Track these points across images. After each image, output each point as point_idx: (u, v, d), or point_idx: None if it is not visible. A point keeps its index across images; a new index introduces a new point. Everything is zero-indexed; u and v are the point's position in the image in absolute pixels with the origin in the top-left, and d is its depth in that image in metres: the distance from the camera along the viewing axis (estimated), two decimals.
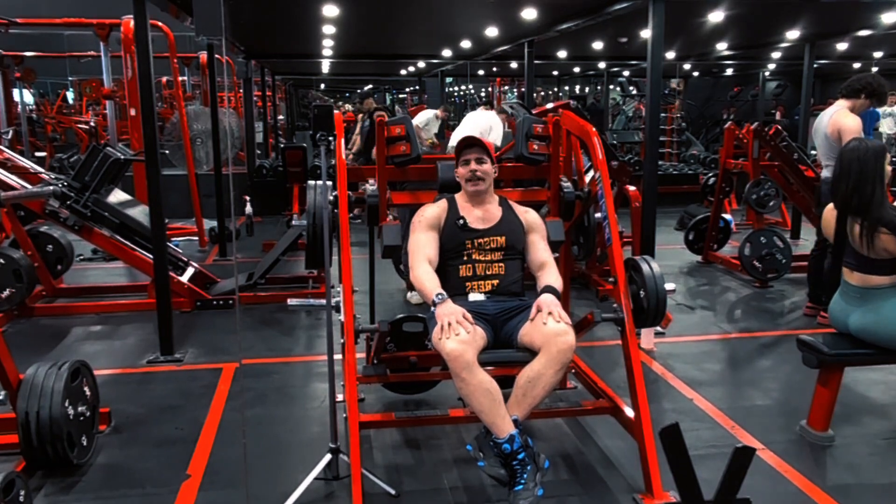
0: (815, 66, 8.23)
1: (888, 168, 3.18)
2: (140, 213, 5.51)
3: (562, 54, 11.07)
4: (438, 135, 10.12)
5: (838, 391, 3.25)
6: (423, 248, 2.91)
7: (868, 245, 3.07)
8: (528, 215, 3.09)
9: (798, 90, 9.22)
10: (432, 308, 2.69)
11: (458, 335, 2.53)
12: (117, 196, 5.55)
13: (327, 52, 10.08)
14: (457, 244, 2.94)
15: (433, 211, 3.01)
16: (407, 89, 22.56)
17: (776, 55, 11.10)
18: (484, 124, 7.28)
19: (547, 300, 2.72)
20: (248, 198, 8.72)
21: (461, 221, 2.96)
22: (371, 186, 3.19)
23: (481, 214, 3.01)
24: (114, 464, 3.13)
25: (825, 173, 4.90)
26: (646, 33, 4.77)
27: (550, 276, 2.92)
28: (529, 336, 2.67)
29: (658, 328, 4.74)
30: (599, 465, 3.08)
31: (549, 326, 2.61)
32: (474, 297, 2.87)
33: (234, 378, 4.07)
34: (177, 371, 4.24)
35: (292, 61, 12.23)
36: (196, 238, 7.94)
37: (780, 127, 6.35)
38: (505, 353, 2.76)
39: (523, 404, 2.59)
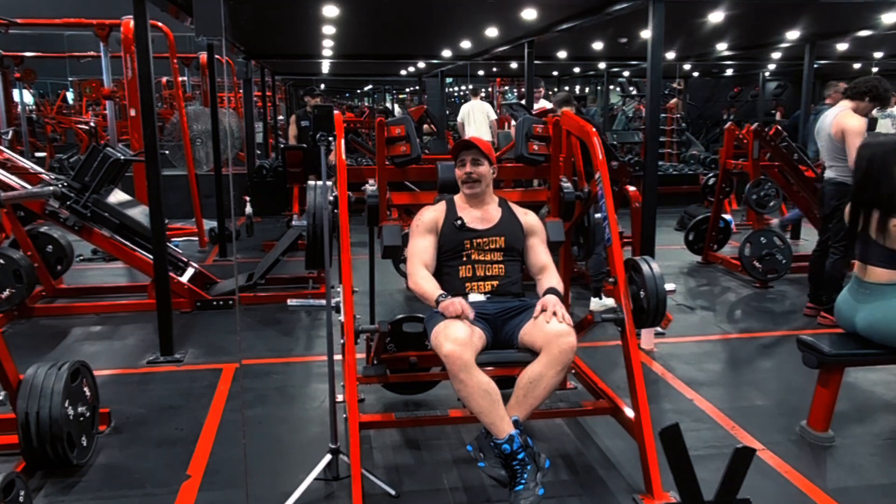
0: (815, 66, 8.23)
1: None
2: (140, 213, 5.51)
3: (562, 54, 11.07)
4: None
5: (838, 392, 3.25)
6: (419, 253, 2.93)
7: (883, 236, 3.13)
8: (527, 217, 3.09)
9: (798, 90, 9.22)
10: (434, 308, 2.70)
11: (461, 315, 2.56)
12: (117, 196, 5.54)
13: (327, 52, 10.08)
14: (455, 244, 2.95)
15: (430, 214, 3.02)
16: (407, 89, 22.57)
17: (776, 55, 11.10)
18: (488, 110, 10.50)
19: (551, 300, 2.73)
20: (248, 198, 8.70)
21: (458, 222, 2.97)
22: (371, 187, 3.19)
23: (480, 215, 3.01)
24: (114, 464, 3.12)
25: (829, 174, 4.90)
26: (646, 33, 4.77)
27: (551, 278, 2.93)
28: (531, 336, 2.67)
29: (658, 328, 4.74)
30: (599, 465, 3.07)
31: (551, 327, 2.62)
32: (474, 297, 2.87)
33: (234, 378, 4.07)
34: (177, 371, 4.24)
35: (292, 61, 12.23)
36: (196, 238, 7.94)
37: (780, 127, 6.35)
38: (505, 354, 2.77)
39: (524, 405, 2.59)
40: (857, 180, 3.34)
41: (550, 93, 10.86)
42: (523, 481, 2.45)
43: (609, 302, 5.17)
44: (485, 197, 3.05)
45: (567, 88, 18.30)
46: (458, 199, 3.09)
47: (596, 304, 5.26)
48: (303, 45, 9.59)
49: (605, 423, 3.27)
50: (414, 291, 2.89)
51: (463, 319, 2.61)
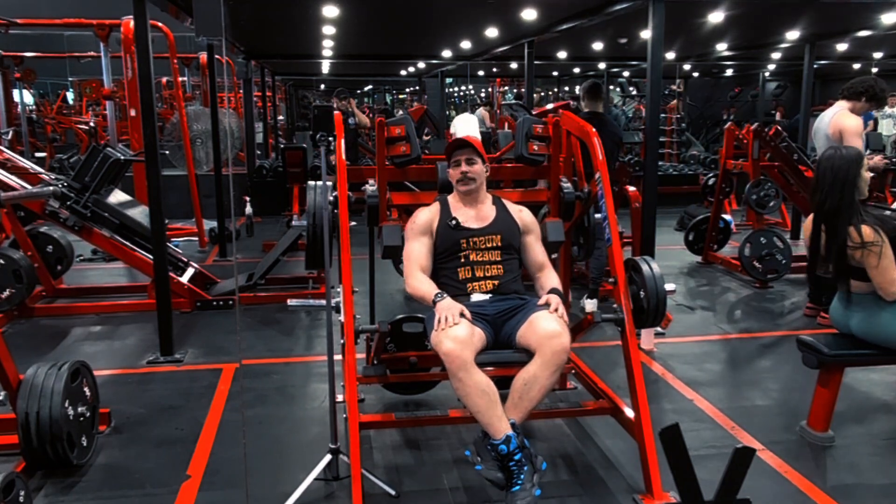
0: (815, 66, 8.23)
1: (866, 175, 3.17)
2: (140, 213, 5.51)
3: (562, 54, 11.07)
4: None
5: (838, 392, 3.25)
6: (415, 257, 2.94)
7: (833, 253, 3.08)
8: (522, 214, 3.10)
9: (798, 91, 9.22)
10: (433, 308, 2.70)
11: (454, 325, 2.54)
12: (117, 196, 5.54)
13: (327, 52, 10.08)
14: (451, 244, 2.95)
15: (424, 216, 3.03)
16: (407, 89, 22.54)
17: (776, 55, 11.09)
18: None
19: (554, 299, 2.78)
20: (248, 198, 8.72)
21: (453, 222, 2.97)
22: (371, 187, 3.19)
23: (475, 214, 3.02)
24: (114, 464, 3.13)
25: None
26: (646, 33, 4.77)
27: (552, 278, 2.95)
28: (525, 338, 2.69)
29: (658, 329, 4.74)
30: (599, 465, 3.07)
31: (544, 329, 2.63)
32: (476, 297, 2.87)
33: (234, 378, 4.07)
34: (177, 371, 4.24)
35: (292, 61, 12.22)
36: (196, 238, 7.94)
37: (780, 127, 6.35)
38: (504, 354, 2.77)
39: (520, 407, 2.60)
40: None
41: (550, 93, 10.97)
42: (520, 482, 2.45)
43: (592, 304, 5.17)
44: (479, 195, 3.05)
45: (567, 89, 18.29)
46: (451, 199, 3.09)
47: (588, 304, 5.24)
48: (303, 45, 9.58)
49: (605, 423, 3.27)
50: (412, 295, 2.89)
51: (458, 321, 2.60)
